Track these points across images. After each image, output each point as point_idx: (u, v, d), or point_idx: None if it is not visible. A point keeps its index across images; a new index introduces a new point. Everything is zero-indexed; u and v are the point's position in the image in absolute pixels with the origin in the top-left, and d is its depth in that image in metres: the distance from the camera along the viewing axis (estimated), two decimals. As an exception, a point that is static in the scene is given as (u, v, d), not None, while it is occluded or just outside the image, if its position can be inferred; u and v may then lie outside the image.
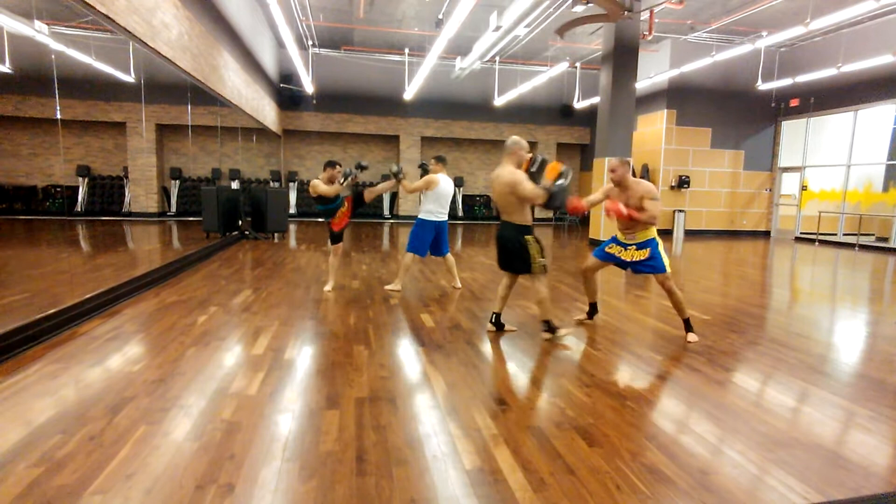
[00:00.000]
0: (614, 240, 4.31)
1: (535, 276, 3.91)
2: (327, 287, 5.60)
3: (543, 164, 3.85)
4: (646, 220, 3.98)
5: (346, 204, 5.54)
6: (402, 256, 6.17)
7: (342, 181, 5.27)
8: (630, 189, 4.08)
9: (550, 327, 4.01)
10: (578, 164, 17.88)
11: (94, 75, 11.15)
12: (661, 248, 4.09)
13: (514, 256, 3.91)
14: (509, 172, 3.79)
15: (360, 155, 16.27)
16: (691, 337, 4.12)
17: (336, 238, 5.60)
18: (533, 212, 3.99)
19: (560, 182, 3.64)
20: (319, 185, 5.31)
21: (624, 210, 3.94)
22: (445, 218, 5.61)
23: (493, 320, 4.21)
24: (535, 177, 3.80)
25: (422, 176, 5.52)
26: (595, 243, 9.95)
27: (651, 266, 4.06)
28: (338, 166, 5.45)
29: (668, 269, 4.04)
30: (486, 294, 5.66)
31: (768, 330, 4.57)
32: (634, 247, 4.14)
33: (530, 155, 3.92)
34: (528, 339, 4.07)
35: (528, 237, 3.86)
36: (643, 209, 3.98)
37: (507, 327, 4.25)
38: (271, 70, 13.56)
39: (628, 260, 4.17)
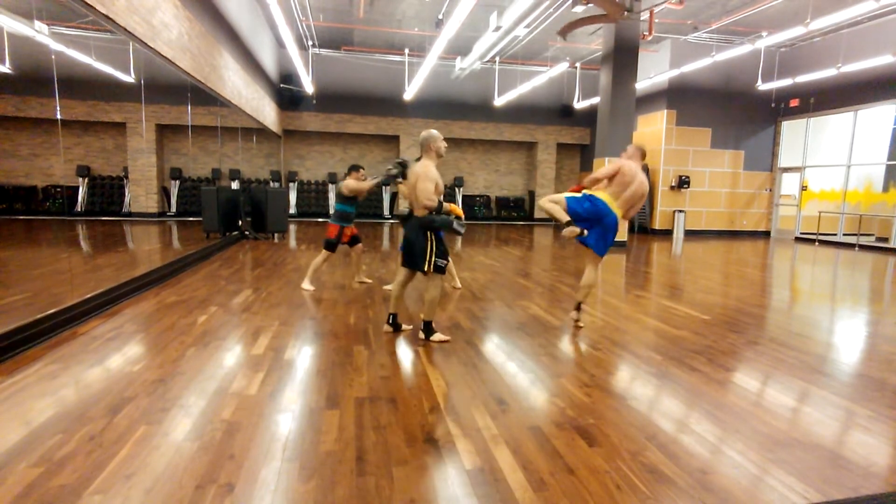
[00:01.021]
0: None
1: (430, 275, 3.83)
2: (305, 285, 5.61)
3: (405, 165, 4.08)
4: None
5: (350, 229, 5.70)
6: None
7: (380, 184, 5.57)
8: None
9: (430, 329, 3.92)
10: (578, 165, 17.89)
11: (94, 75, 11.15)
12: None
13: (417, 252, 3.82)
14: (421, 166, 3.79)
15: (359, 155, 16.27)
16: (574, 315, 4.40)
17: (331, 246, 5.60)
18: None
19: (450, 221, 3.72)
20: (351, 182, 5.46)
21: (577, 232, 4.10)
22: None
23: (390, 321, 4.11)
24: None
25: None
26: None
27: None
28: (361, 170, 5.67)
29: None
30: (486, 294, 5.66)
31: (768, 330, 4.57)
32: None
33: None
34: (529, 339, 4.07)
35: (431, 234, 3.79)
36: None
37: (403, 327, 4.16)
38: (271, 70, 13.56)
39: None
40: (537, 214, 16.85)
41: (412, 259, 3.89)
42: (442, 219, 3.71)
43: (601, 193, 4.17)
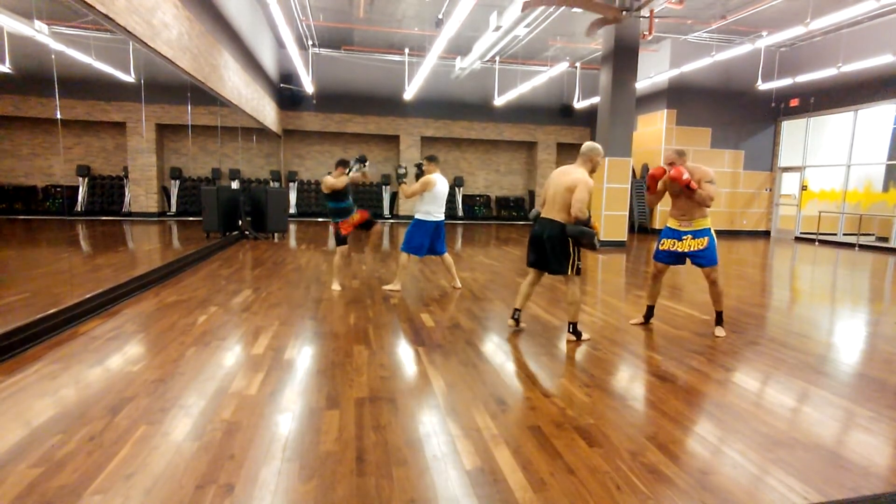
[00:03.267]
0: (667, 232, 4.29)
1: (569, 277, 3.92)
2: (335, 286, 5.65)
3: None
4: (702, 197, 4.00)
5: (357, 215, 5.74)
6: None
7: (347, 173, 5.54)
8: (692, 175, 4.08)
9: (576, 330, 4.00)
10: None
11: (94, 75, 11.14)
12: (715, 239, 4.14)
13: (557, 255, 3.87)
14: (578, 176, 3.79)
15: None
16: (719, 331, 4.19)
17: (342, 240, 5.68)
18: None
19: (594, 234, 3.77)
20: (328, 179, 5.51)
21: (685, 174, 3.93)
22: (443, 217, 5.61)
23: (515, 316, 4.24)
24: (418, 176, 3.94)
25: (418, 176, 5.53)
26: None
27: (707, 258, 4.09)
28: (342, 166, 5.68)
29: (718, 262, 4.12)
30: (486, 294, 5.66)
31: (768, 330, 4.57)
32: (690, 235, 4.13)
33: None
34: (528, 338, 4.07)
35: (571, 238, 3.85)
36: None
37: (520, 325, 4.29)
38: (271, 70, 13.56)
39: (685, 251, 4.16)
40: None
41: (544, 261, 3.96)
42: (591, 232, 3.75)
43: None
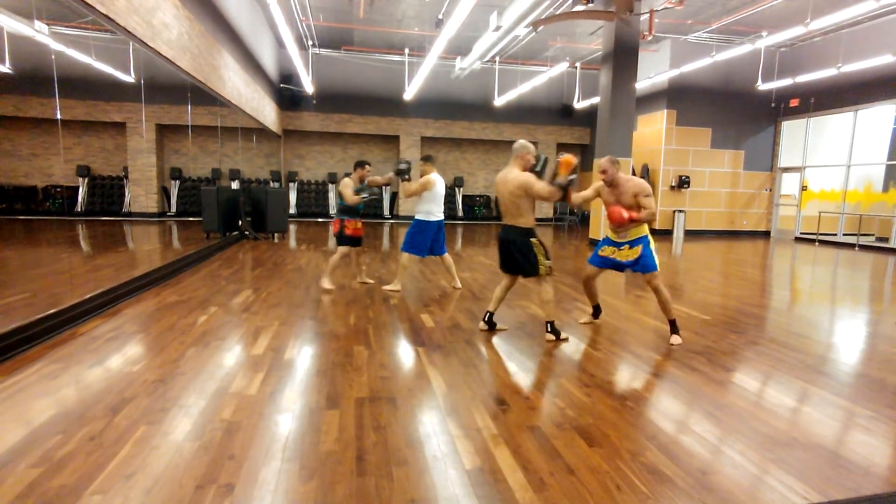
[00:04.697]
0: (606, 241, 4.30)
1: (541, 278, 3.94)
2: (325, 284, 5.62)
3: (546, 161, 3.87)
4: (646, 217, 3.98)
5: (357, 224, 5.67)
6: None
7: (372, 193, 5.49)
8: (621, 186, 4.07)
9: (554, 329, 4.01)
10: (579, 165, 17.86)
11: (94, 75, 11.13)
12: (652, 246, 4.10)
13: (521, 259, 3.92)
14: (519, 175, 3.82)
15: (360, 155, 16.24)
16: (675, 339, 4.04)
17: (343, 241, 5.62)
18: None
19: (572, 177, 3.72)
20: (346, 189, 5.43)
21: (626, 215, 3.93)
22: (443, 217, 5.61)
23: (486, 319, 4.23)
24: (540, 175, 3.84)
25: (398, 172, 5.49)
26: (594, 244, 9.95)
27: (642, 265, 4.06)
28: (367, 166, 5.57)
29: (658, 268, 4.05)
30: (485, 294, 5.66)
31: (768, 330, 4.57)
32: (627, 245, 4.13)
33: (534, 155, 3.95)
34: (528, 339, 4.07)
35: (533, 240, 3.90)
36: (639, 207, 3.98)
37: (498, 326, 4.27)
38: (271, 70, 13.56)
39: (623, 260, 4.17)
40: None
41: (516, 266, 4.00)
42: (571, 183, 3.74)
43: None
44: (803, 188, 13.55)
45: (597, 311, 4.63)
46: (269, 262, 7.50)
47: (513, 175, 3.85)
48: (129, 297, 4.99)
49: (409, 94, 13.92)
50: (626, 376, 3.39)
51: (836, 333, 4.76)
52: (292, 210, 15.10)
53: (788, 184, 14.15)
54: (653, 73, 13.00)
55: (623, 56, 10.22)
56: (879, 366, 3.67)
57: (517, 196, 3.83)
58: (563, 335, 4.05)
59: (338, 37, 13.73)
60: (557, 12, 9.76)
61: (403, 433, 2.46)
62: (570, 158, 3.73)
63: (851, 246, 11.76)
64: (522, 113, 16.18)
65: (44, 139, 13.64)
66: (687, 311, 5.12)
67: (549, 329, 4.02)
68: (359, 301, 5.17)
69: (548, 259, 3.93)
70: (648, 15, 8.70)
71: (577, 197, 4.09)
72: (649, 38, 9.48)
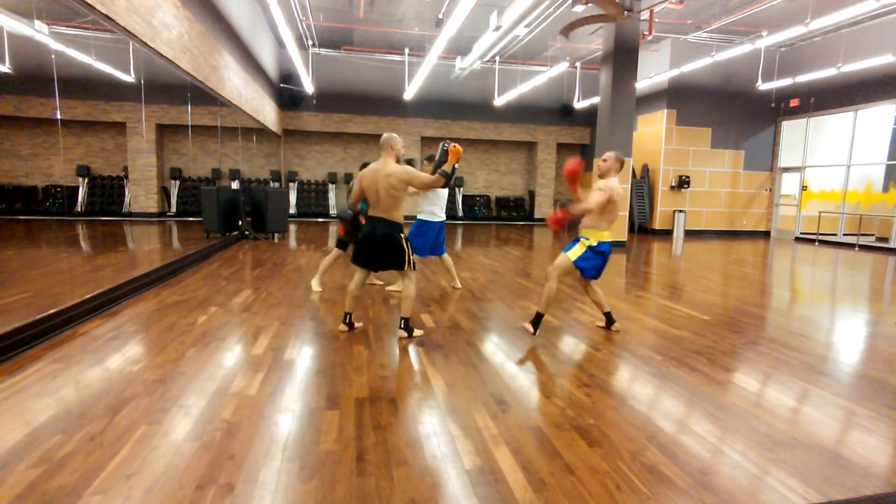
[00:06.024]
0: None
1: (407, 272, 3.92)
2: (314, 286, 5.60)
3: (446, 151, 3.88)
4: (576, 213, 3.94)
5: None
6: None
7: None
8: (591, 187, 4.04)
9: (407, 326, 3.97)
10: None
11: (94, 75, 11.13)
12: (578, 244, 4.08)
13: (389, 253, 3.85)
14: (398, 168, 3.78)
15: (360, 155, 16.20)
16: (529, 327, 4.10)
17: (343, 244, 5.55)
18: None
19: (455, 165, 3.78)
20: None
21: (551, 215, 3.92)
22: (444, 218, 5.61)
23: (347, 321, 4.12)
24: (440, 164, 3.89)
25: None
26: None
27: (563, 252, 4.12)
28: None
29: (568, 260, 4.05)
30: (486, 294, 5.66)
31: (768, 330, 4.57)
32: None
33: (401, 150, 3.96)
34: (528, 339, 4.07)
35: (402, 234, 3.88)
36: (604, 209, 3.96)
37: (355, 326, 4.18)
38: (271, 70, 13.56)
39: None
40: (537, 214, 16.84)
41: (382, 260, 3.91)
42: (454, 171, 3.79)
43: (600, 234, 4.04)
44: (803, 188, 13.55)
45: (608, 319, 4.45)
46: (269, 262, 7.50)
47: (391, 168, 3.77)
48: (129, 297, 4.99)
49: (409, 93, 13.92)
50: (626, 376, 3.39)
51: (836, 333, 4.76)
52: (292, 210, 15.09)
53: (788, 184, 14.15)
54: (653, 72, 13.00)
55: (623, 56, 10.22)
56: (879, 366, 3.67)
57: (398, 189, 3.78)
58: (416, 332, 4.00)
59: (338, 37, 13.73)
60: (561, 12, 9.77)
61: (403, 433, 2.46)
62: (458, 148, 3.79)
63: (851, 246, 11.75)
64: (522, 113, 16.19)
65: (44, 139, 13.64)
66: (687, 312, 5.12)
67: (402, 325, 3.97)
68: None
69: (413, 254, 3.97)
70: (648, 15, 8.70)
71: (578, 209, 4.01)
72: (649, 37, 9.48)
